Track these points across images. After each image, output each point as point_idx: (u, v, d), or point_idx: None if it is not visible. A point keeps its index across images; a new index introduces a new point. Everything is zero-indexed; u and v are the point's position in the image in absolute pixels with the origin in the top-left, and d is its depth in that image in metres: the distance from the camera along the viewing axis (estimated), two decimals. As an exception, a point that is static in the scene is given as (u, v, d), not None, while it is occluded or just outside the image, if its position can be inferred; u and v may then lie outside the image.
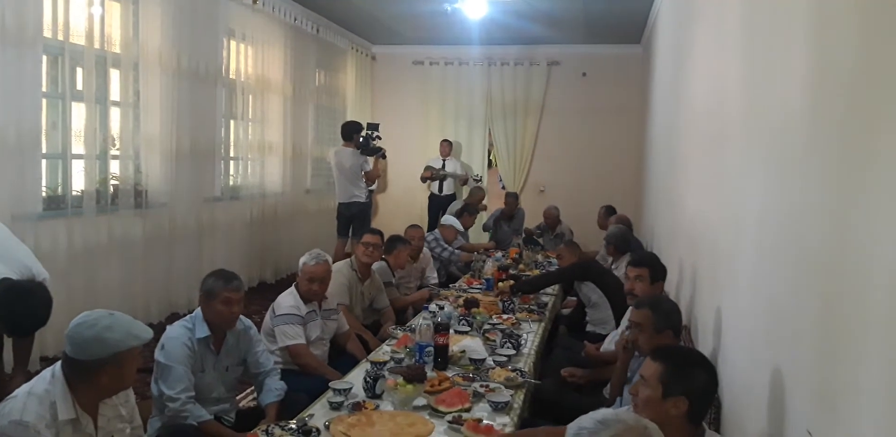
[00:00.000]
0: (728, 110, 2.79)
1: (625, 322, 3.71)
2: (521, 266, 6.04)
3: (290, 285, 3.70)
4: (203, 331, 2.85)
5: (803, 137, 1.72)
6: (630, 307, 2.88)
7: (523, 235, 8.06)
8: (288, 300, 3.55)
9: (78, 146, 4.85)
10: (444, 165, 9.44)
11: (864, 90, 1.33)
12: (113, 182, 5.18)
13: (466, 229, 7.20)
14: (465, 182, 9.62)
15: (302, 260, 3.62)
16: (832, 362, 1.42)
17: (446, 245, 6.39)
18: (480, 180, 9.85)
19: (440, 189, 9.43)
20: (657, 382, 1.85)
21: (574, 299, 5.40)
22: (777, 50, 2.06)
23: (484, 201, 8.64)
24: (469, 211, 7.25)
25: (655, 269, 3.37)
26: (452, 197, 9.40)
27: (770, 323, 1.94)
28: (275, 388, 3.02)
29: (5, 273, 2.88)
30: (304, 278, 3.57)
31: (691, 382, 1.84)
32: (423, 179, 9.47)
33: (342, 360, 3.71)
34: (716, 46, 3.29)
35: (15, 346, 3.19)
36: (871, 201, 1.25)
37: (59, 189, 4.78)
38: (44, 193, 4.59)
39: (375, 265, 4.68)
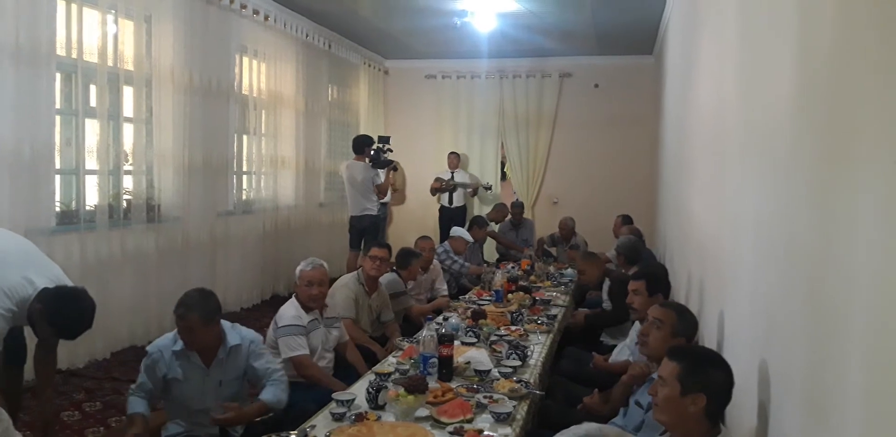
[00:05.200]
0: (727, 120, 2.80)
1: (632, 335, 3.70)
2: (532, 278, 6.03)
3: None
4: (180, 344, 2.92)
5: (789, 148, 1.74)
6: (643, 317, 2.85)
7: (534, 246, 8.04)
8: (289, 311, 3.57)
9: (91, 162, 4.93)
10: (452, 177, 9.48)
11: (846, 100, 1.34)
12: (126, 197, 5.26)
13: (477, 241, 7.20)
14: (475, 193, 9.64)
15: (298, 268, 3.66)
16: (819, 368, 1.41)
17: (456, 257, 6.40)
18: (491, 188, 9.86)
19: (450, 201, 9.46)
20: (675, 380, 1.89)
21: (585, 310, 5.37)
22: (768, 61, 2.07)
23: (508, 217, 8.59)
24: (479, 223, 7.26)
25: (652, 281, 3.36)
26: (463, 209, 9.43)
27: (764, 330, 1.93)
28: (274, 391, 2.99)
29: (46, 285, 2.97)
30: (302, 283, 3.61)
31: (708, 378, 1.88)
32: (433, 192, 9.51)
33: (348, 371, 3.72)
34: (717, 57, 3.29)
35: (39, 364, 3.22)
36: (848, 210, 1.27)
37: (73, 204, 4.86)
38: (57, 208, 4.67)
39: (385, 278, 4.70)
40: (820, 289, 1.44)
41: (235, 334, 3.02)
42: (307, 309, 3.59)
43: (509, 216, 8.49)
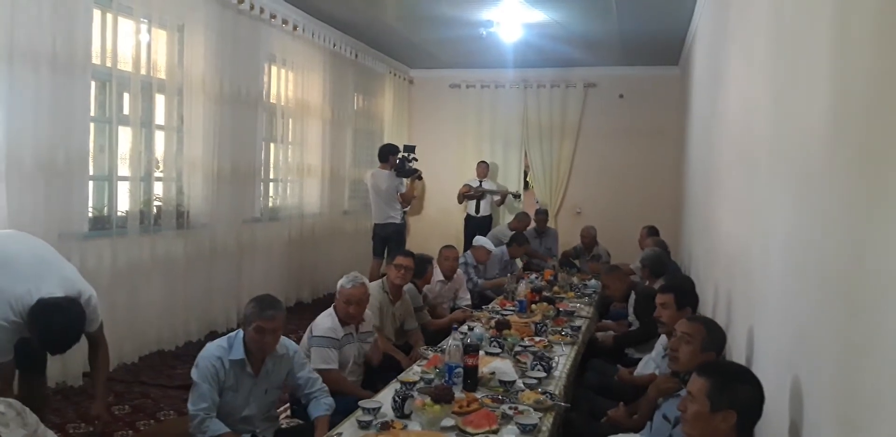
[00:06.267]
0: (757, 133, 2.79)
1: (658, 348, 3.68)
2: (555, 288, 6.01)
3: (329, 306, 3.73)
4: (238, 353, 2.88)
5: (822, 161, 1.73)
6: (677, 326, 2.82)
7: (558, 256, 8.02)
8: (326, 322, 3.59)
9: (123, 168, 5.02)
10: (481, 186, 9.49)
11: (880, 114, 1.34)
12: (156, 203, 5.35)
13: (514, 258, 7.18)
14: (502, 201, 9.62)
15: (340, 283, 3.65)
16: (853, 385, 1.41)
17: (473, 274, 6.38)
18: (520, 197, 9.83)
19: (477, 210, 9.47)
20: (704, 397, 1.90)
21: (609, 321, 5.35)
22: (800, 75, 2.07)
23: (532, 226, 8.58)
24: (518, 241, 7.20)
25: (681, 295, 3.34)
26: (489, 218, 9.42)
27: (794, 345, 1.92)
28: (324, 403, 3.04)
29: (55, 292, 2.90)
30: (341, 300, 3.61)
31: (738, 395, 1.88)
32: (461, 198, 9.50)
33: (373, 377, 3.76)
34: (746, 69, 3.29)
35: (90, 362, 3.28)
36: (886, 225, 1.26)
37: (105, 210, 4.95)
38: (90, 214, 4.76)
39: (405, 288, 4.71)
40: (854, 305, 1.43)
41: (281, 343, 3.01)
42: (343, 323, 3.62)
43: (533, 224, 8.48)
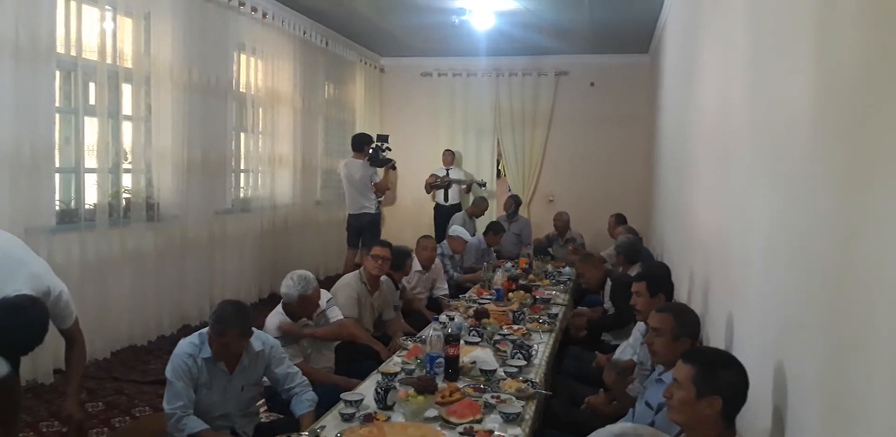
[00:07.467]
0: (734, 121, 2.81)
1: (636, 334, 3.72)
2: (531, 276, 6.04)
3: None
4: (209, 351, 2.85)
5: (808, 148, 1.74)
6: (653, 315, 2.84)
7: (531, 244, 8.07)
8: (274, 322, 3.56)
9: (91, 160, 4.90)
10: (447, 174, 9.48)
11: (867, 100, 1.34)
12: (125, 195, 5.23)
13: (490, 246, 7.20)
14: (469, 189, 9.64)
15: (296, 292, 3.55)
16: (842, 372, 1.42)
17: (449, 265, 6.38)
18: (485, 185, 9.85)
19: (445, 198, 9.46)
20: (690, 383, 1.91)
21: (585, 308, 5.39)
22: (782, 61, 2.07)
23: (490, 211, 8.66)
24: (495, 230, 7.22)
25: (653, 282, 3.36)
26: (458, 206, 9.42)
27: (779, 332, 1.94)
28: (306, 399, 3.01)
29: (22, 290, 2.71)
30: (300, 303, 3.57)
31: (723, 380, 1.90)
32: (428, 187, 9.49)
33: (355, 365, 3.75)
34: (722, 57, 3.30)
35: (65, 361, 3.13)
36: (875, 211, 1.27)
37: (73, 203, 4.83)
38: (57, 207, 4.64)
39: (382, 280, 4.69)
40: (842, 291, 1.44)
41: (257, 339, 2.98)
42: (296, 318, 3.60)
43: (488, 209, 8.57)
